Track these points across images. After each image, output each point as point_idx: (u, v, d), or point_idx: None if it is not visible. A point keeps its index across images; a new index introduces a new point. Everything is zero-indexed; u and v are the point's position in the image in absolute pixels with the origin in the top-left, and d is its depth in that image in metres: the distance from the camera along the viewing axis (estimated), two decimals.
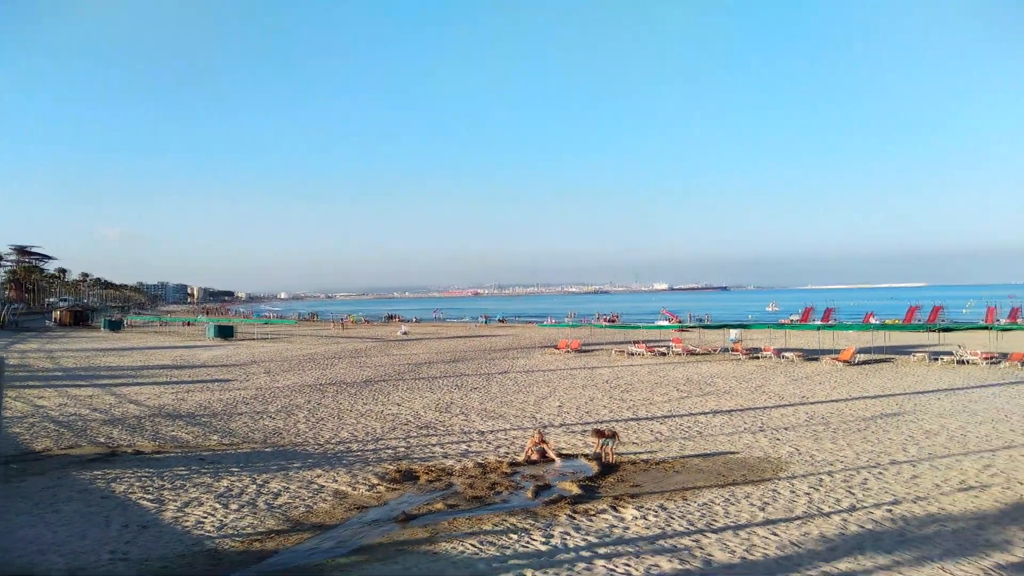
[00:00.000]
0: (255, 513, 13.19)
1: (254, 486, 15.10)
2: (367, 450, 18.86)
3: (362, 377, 36.18)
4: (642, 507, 13.20)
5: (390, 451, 18.69)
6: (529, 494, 14.27)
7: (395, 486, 15.09)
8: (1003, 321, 56.91)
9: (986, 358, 37.77)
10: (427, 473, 16.04)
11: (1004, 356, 38.12)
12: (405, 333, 77.00)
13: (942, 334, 48.73)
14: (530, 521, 12.36)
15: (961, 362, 37.74)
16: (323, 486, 15.12)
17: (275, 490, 14.80)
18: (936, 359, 38.99)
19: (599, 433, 17.55)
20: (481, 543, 11.22)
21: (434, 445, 19.42)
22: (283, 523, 12.61)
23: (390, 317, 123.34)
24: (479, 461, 17.26)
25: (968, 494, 13.96)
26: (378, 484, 15.24)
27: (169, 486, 15.09)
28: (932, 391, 28.32)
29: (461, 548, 10.99)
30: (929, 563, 10.27)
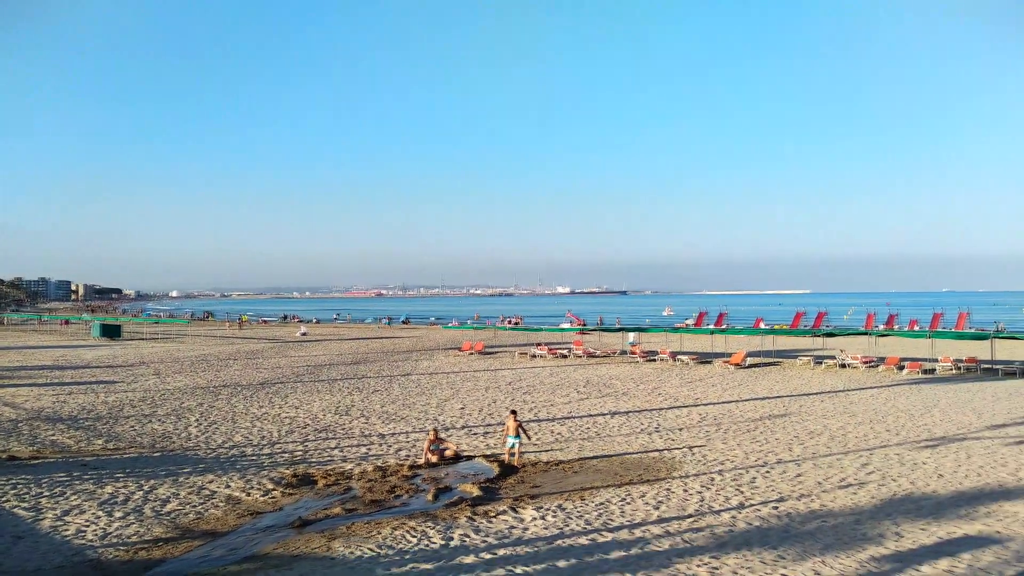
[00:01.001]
0: (141, 521, 12.63)
1: (140, 492, 14.45)
2: (262, 454, 18.34)
3: (258, 379, 35.16)
4: (541, 508, 13.34)
5: (286, 455, 18.23)
6: (430, 497, 14.20)
7: (291, 491, 14.74)
8: (881, 327, 60.41)
9: (865, 362, 40.00)
10: (325, 477, 15.73)
11: (881, 360, 40.47)
12: (304, 334, 75.30)
13: (825, 339, 51.29)
14: (429, 524, 12.30)
15: (842, 366, 39.82)
16: (215, 492, 14.61)
17: (163, 496, 14.20)
18: (820, 363, 41.00)
19: (515, 413, 17.60)
20: (379, 547, 11.09)
21: (333, 449, 19.06)
22: (172, 531, 12.12)
23: (286, 317, 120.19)
24: (379, 464, 17.05)
25: (847, 491, 14.75)
26: (273, 489, 14.84)
27: (47, 493, 14.27)
28: (816, 393, 29.78)
29: (359, 553, 10.83)
30: (811, 557, 10.79)
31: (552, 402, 27.37)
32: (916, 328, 61.08)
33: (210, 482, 15.38)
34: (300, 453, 18.46)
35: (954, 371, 37.50)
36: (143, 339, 66.82)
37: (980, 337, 45.63)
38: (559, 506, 13.50)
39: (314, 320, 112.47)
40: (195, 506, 13.58)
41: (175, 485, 15.09)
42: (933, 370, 37.58)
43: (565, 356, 46.70)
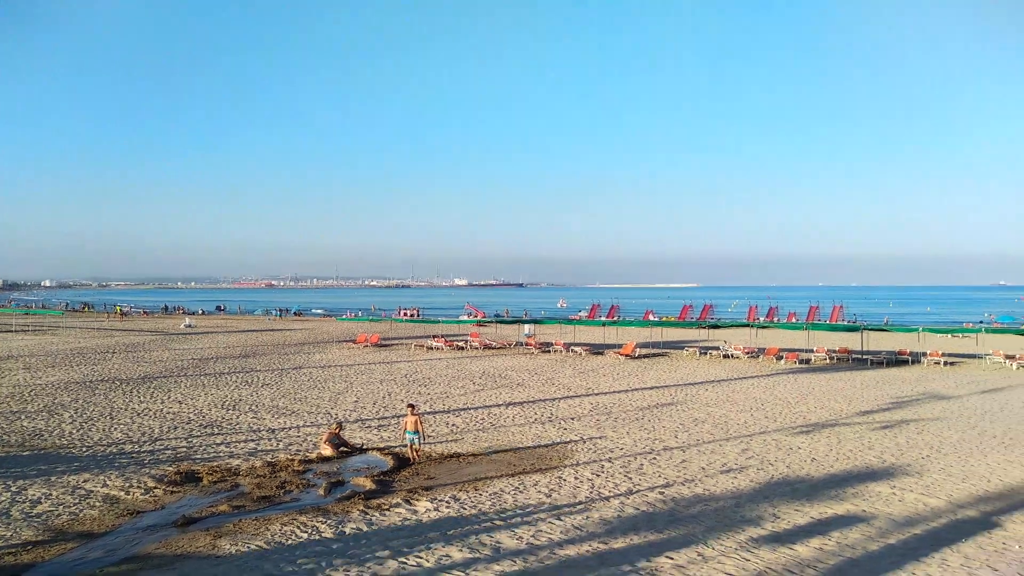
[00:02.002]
0: (8, 523, 11.88)
1: (8, 494, 13.59)
2: (143, 451, 17.55)
3: (139, 373, 33.57)
4: (435, 499, 13.35)
5: (170, 452, 17.52)
6: (322, 491, 13.96)
7: (175, 488, 14.18)
8: (762, 319, 63.34)
9: (747, 352, 41.93)
10: (211, 474, 15.21)
11: (762, 351, 42.51)
12: (189, 326, 72.37)
13: (711, 330, 53.45)
14: (321, 519, 12.10)
15: (726, 356, 41.59)
16: (92, 491, 13.89)
17: (34, 497, 13.40)
18: (705, 353, 42.68)
19: (413, 407, 17.45)
20: (268, 544, 10.84)
21: (219, 445, 18.44)
22: (43, 533, 11.45)
23: (167, 309, 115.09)
24: (269, 460, 16.62)
25: (729, 475, 15.44)
26: (155, 487, 14.24)
27: None
28: (701, 382, 30.99)
29: (247, 550, 10.55)
30: (694, 540, 11.25)
31: (448, 394, 27.38)
32: (794, 320, 64.33)
33: (86, 481, 14.61)
34: (184, 450, 17.77)
35: (828, 361, 39.79)
36: (11, 331, 62.56)
37: (852, 329, 48.59)
38: (453, 496, 13.54)
39: (200, 311, 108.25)
40: (69, 507, 12.88)
41: (47, 485, 14.26)
42: (809, 360, 39.78)
43: (462, 348, 46.78)
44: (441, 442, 18.71)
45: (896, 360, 39.64)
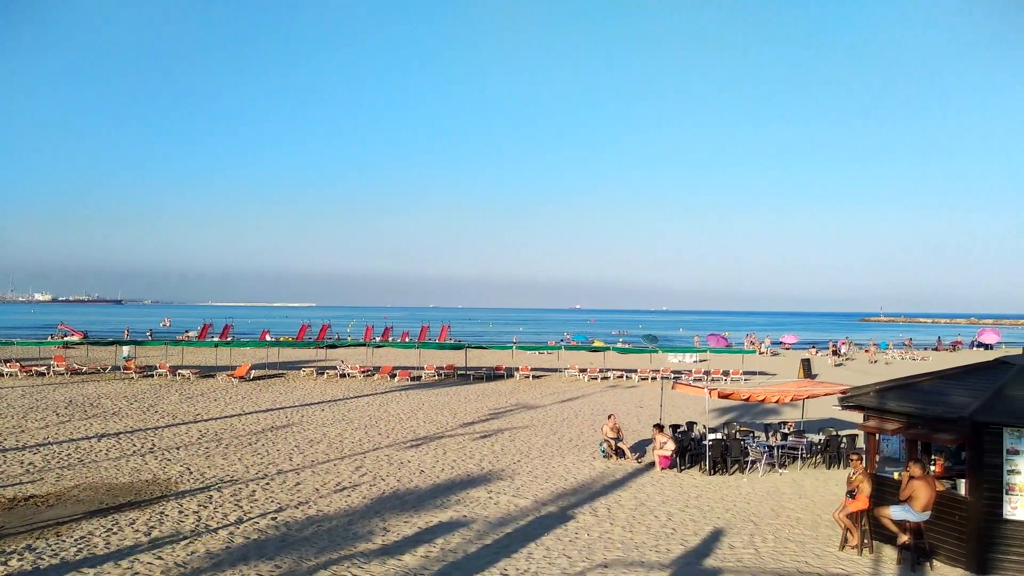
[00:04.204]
0: None
1: None
2: None
3: None
4: (3, 552, 11.43)
5: None
6: None
7: None
8: (378, 339, 65.25)
9: (363, 371, 42.92)
10: None
11: (377, 369, 43.86)
12: None
13: (328, 350, 53.66)
14: None
15: (343, 375, 42.09)
16: None
17: None
18: (322, 373, 42.72)
19: None
20: None
21: None
22: None
23: None
24: None
25: (342, 494, 15.65)
26: None
27: None
28: (318, 403, 30.95)
29: None
30: (306, 562, 11.19)
31: (23, 428, 23.58)
32: (407, 339, 67.42)
33: None
34: None
35: (437, 377, 42.45)
36: None
37: (457, 347, 52.46)
38: (28, 547, 11.71)
39: None
40: None
41: None
42: (420, 377, 42.05)
43: (43, 374, 40.71)
44: (13, 484, 16.07)
45: (494, 375, 43.81)
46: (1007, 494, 11.17)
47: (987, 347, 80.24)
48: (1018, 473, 11.13)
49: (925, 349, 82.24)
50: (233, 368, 42.62)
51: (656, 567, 11.46)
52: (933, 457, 12.79)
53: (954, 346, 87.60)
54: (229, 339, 58.22)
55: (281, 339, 61.49)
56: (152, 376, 40.66)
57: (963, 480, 11.75)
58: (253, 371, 41.41)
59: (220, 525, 13.17)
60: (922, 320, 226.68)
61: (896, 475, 12.84)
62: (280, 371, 44.16)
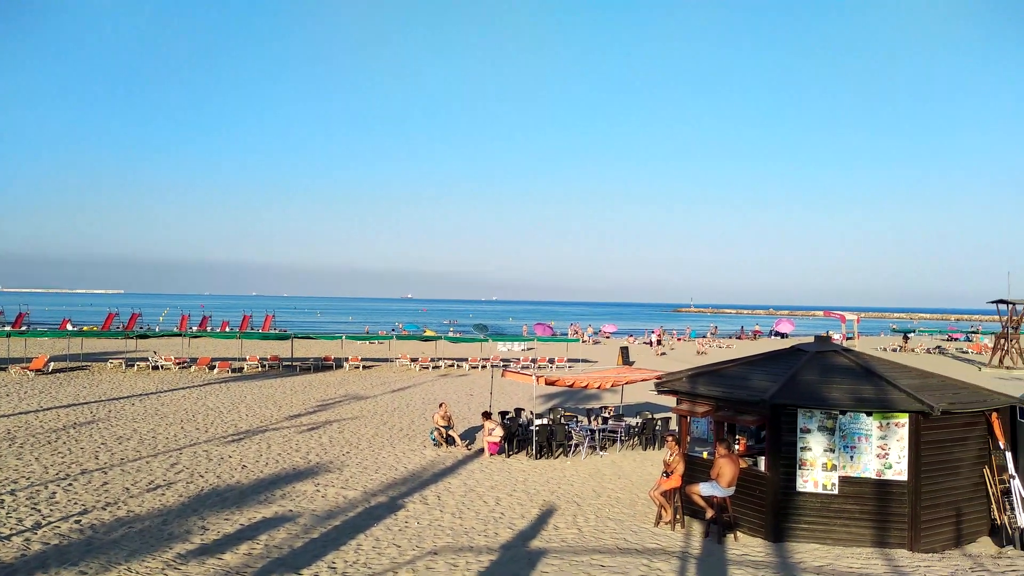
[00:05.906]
0: None
1: None
2: None
3: None
4: None
5: None
6: None
7: None
8: (195, 328, 61.72)
9: (178, 363, 40.46)
10: None
11: (194, 360, 41.49)
12: None
13: (139, 340, 50.20)
14: None
15: (156, 367, 39.48)
16: None
17: None
18: (132, 365, 39.86)
19: None
20: None
21: None
22: None
23: None
24: None
25: (155, 493, 14.71)
26: None
27: None
28: (127, 397, 28.86)
29: None
30: (115, 566, 10.43)
31: None
32: (227, 329, 64.32)
33: None
34: None
35: (260, 368, 40.82)
36: None
37: (282, 337, 50.76)
38: None
39: None
40: None
41: None
42: (242, 368, 40.26)
43: None
44: None
45: (322, 365, 42.72)
46: (800, 468, 12.36)
47: (783, 336, 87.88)
48: (809, 449, 12.34)
49: (730, 337, 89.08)
50: (29, 360, 38.84)
51: (484, 551, 11.70)
52: (737, 437, 13.89)
53: (755, 335, 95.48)
54: (23, 328, 53.00)
55: (84, 328, 56.75)
56: None
57: (763, 457, 12.86)
58: (52, 363, 37.94)
59: (14, 531, 11.98)
60: (727, 311, 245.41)
61: (704, 454, 13.85)
62: (84, 363, 40.72)
